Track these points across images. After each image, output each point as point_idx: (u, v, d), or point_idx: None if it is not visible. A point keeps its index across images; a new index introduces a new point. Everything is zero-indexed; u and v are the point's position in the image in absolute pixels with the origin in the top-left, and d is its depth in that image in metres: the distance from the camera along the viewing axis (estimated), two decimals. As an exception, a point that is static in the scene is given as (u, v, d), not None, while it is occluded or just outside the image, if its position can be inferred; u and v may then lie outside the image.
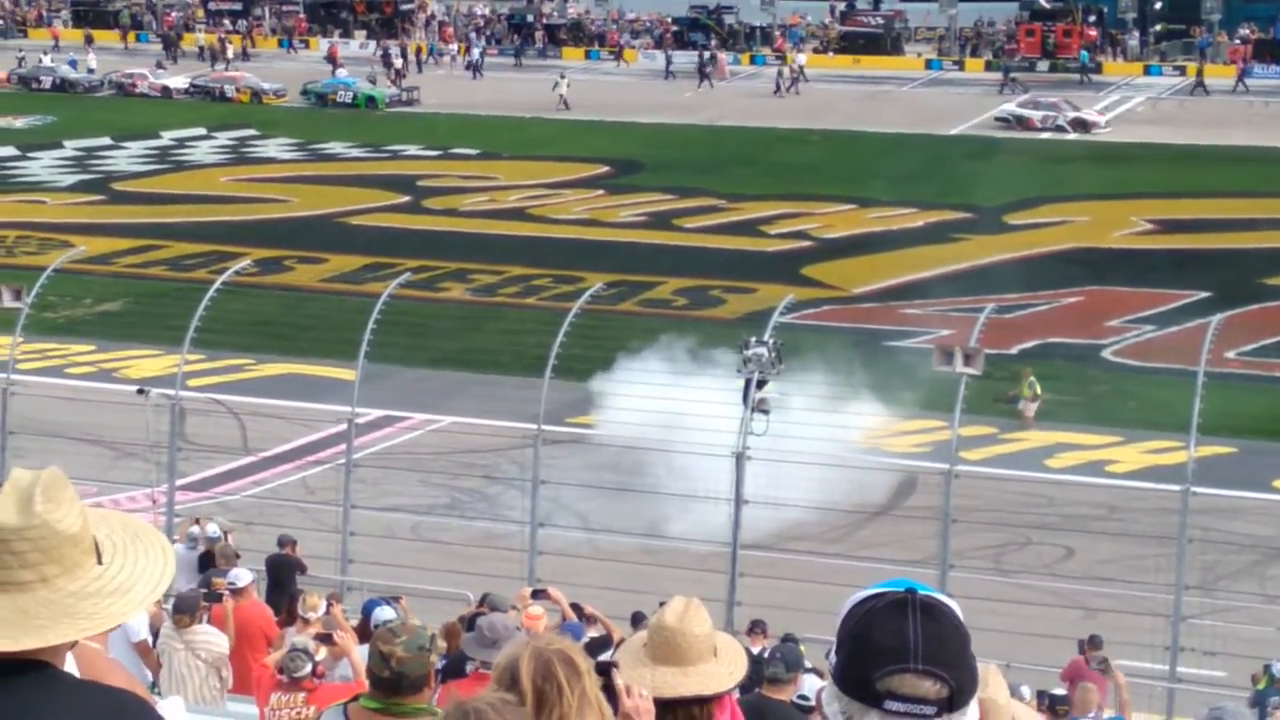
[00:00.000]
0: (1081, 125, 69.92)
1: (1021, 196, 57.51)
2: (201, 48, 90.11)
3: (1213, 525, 27.72)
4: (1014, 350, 39.26)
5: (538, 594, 16.29)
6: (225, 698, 14.94)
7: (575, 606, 17.40)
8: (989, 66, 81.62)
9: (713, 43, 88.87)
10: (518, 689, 3.76)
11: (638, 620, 19.55)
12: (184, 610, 14.90)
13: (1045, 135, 68.65)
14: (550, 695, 3.77)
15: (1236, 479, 30.22)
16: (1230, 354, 38.12)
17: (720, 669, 5.01)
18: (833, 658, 3.30)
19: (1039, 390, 34.31)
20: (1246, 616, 25.93)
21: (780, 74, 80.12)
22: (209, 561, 20.77)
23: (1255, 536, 29.18)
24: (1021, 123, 70.34)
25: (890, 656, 3.17)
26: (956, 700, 3.19)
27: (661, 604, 5.42)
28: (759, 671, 11.32)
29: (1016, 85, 78.50)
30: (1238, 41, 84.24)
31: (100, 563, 3.26)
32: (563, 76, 77.65)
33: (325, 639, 13.57)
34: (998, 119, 71.18)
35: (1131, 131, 69.21)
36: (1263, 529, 29.90)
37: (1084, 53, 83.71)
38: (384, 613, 15.87)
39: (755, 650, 18.52)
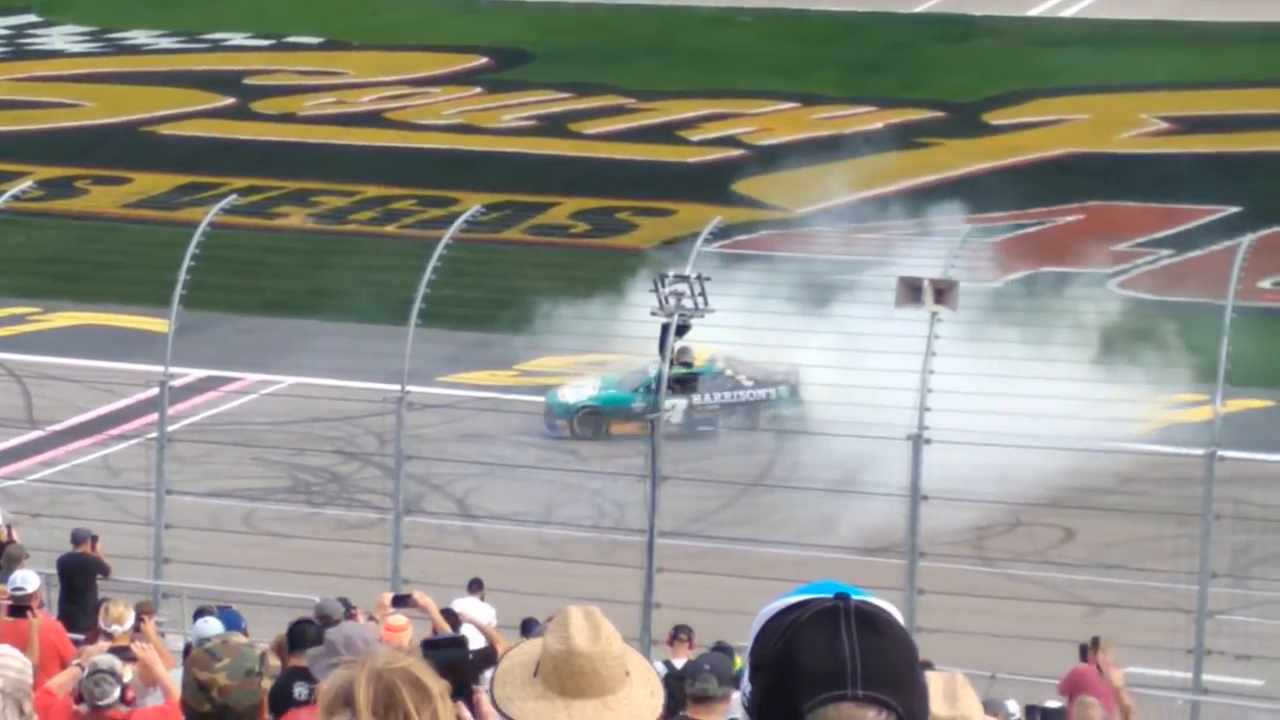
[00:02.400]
0: None
1: (1006, 90, 57.70)
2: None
3: (1245, 498, 27.99)
4: (998, 283, 39.46)
5: (401, 599, 16.27)
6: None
7: (448, 613, 17.40)
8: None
9: None
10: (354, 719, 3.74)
11: (529, 628, 19.59)
12: (-25, 629, 14.85)
13: (1036, 12, 68.19)
14: (394, 726, 3.75)
15: (1274, 440, 30.55)
16: (1266, 283, 38.47)
17: (641, 692, 4.64)
18: (746, 685, 3.28)
19: None
20: (1287, 610, 26.27)
21: None
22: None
23: (1298, 511, 29.50)
24: None
25: (823, 681, 3.16)
26: None
27: (548, 620, 5.25)
28: (681, 688, 11.37)
29: None
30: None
31: None
32: None
33: (127, 653, 13.51)
34: None
35: (1137, 5, 69.38)
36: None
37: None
38: (208, 626, 15.84)
39: (679, 663, 18.61)
